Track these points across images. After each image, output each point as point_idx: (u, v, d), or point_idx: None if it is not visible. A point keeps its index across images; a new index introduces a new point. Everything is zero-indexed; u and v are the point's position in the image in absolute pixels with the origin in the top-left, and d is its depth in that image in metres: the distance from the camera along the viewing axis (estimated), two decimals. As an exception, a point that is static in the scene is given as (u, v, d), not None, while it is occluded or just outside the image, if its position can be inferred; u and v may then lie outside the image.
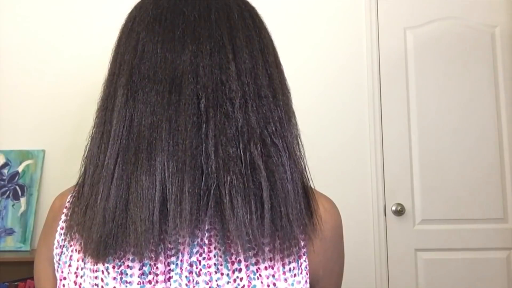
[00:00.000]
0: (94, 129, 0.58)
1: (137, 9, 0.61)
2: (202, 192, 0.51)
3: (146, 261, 0.51)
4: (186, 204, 0.50)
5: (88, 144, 0.59)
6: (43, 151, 2.03)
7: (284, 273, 0.53)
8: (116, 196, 0.51)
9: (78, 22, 2.13)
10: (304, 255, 0.55)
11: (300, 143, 0.60)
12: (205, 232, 0.53)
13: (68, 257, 0.56)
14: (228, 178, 0.50)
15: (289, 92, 0.61)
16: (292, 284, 0.54)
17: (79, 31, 2.12)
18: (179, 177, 0.50)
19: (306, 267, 0.55)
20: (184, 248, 0.53)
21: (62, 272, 0.56)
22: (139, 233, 0.49)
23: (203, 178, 0.51)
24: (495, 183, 2.07)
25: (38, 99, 2.07)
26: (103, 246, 0.51)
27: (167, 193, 0.50)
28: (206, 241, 0.53)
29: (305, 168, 0.59)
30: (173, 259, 0.52)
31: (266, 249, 0.52)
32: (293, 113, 0.61)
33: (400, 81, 2.13)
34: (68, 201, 0.60)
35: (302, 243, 0.55)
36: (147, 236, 0.50)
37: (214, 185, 0.51)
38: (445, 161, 2.08)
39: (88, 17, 2.13)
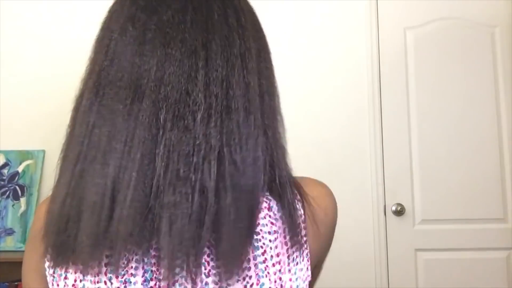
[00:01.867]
0: (67, 130, 0.57)
1: (116, 4, 0.57)
2: (146, 212, 0.48)
3: (147, 268, 0.50)
4: (127, 223, 0.47)
5: (62, 145, 0.57)
6: (43, 151, 2.03)
7: (288, 264, 0.53)
8: (70, 207, 0.50)
9: (79, 22, 2.13)
10: (305, 243, 0.55)
11: (284, 154, 0.56)
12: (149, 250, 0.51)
13: (64, 269, 0.53)
14: (171, 199, 0.47)
15: (275, 98, 0.58)
16: (295, 273, 0.53)
17: (80, 31, 2.12)
18: (125, 193, 0.48)
19: (307, 254, 0.55)
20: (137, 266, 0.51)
21: (58, 285, 0.54)
22: (84, 248, 0.48)
23: (150, 197, 0.48)
24: (495, 183, 2.07)
25: (38, 99, 2.07)
26: (55, 255, 0.51)
27: (114, 209, 0.48)
28: (152, 252, 0.52)
29: (260, 188, 0.53)
30: (178, 262, 0.49)
31: (202, 274, 0.50)
32: (279, 121, 0.57)
33: (400, 81, 2.13)
34: None
35: (304, 232, 0.55)
36: (91, 251, 0.48)
37: (158, 205, 0.48)
38: (445, 161, 2.08)
39: (89, 17, 2.13)
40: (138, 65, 0.51)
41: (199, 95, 0.50)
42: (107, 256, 0.50)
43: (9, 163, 2.01)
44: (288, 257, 0.53)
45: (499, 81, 2.13)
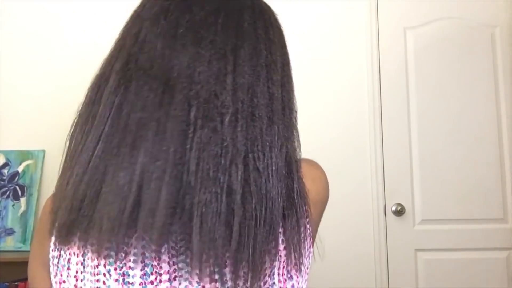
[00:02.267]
0: (82, 106, 0.57)
1: None
2: (176, 206, 0.48)
3: (148, 262, 0.50)
4: (160, 217, 0.47)
5: (76, 120, 0.57)
6: (43, 151, 2.03)
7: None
8: (88, 185, 0.50)
9: (79, 22, 2.13)
10: (308, 223, 0.56)
11: (298, 169, 0.56)
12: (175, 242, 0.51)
13: (67, 260, 0.55)
14: (203, 198, 0.48)
15: (294, 113, 0.59)
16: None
17: (80, 31, 2.12)
18: (157, 185, 0.48)
19: (310, 234, 0.56)
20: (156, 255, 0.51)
21: (61, 275, 0.55)
22: (103, 230, 0.48)
23: (180, 191, 0.48)
24: (495, 183, 2.07)
25: (38, 99, 2.07)
26: (65, 232, 0.51)
27: (142, 198, 0.48)
28: (177, 245, 0.52)
29: (280, 194, 0.54)
30: (182, 257, 0.50)
31: (227, 277, 0.49)
32: (295, 136, 0.58)
33: (400, 81, 2.13)
34: None
35: (306, 214, 0.56)
36: (110, 235, 0.48)
37: (189, 201, 0.48)
38: (445, 161, 2.08)
39: (89, 17, 2.13)
40: (169, 58, 0.53)
41: (227, 98, 0.51)
42: (123, 243, 0.50)
43: (9, 163, 2.01)
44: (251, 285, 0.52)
45: (499, 81, 2.13)
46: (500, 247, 2.05)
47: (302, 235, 0.54)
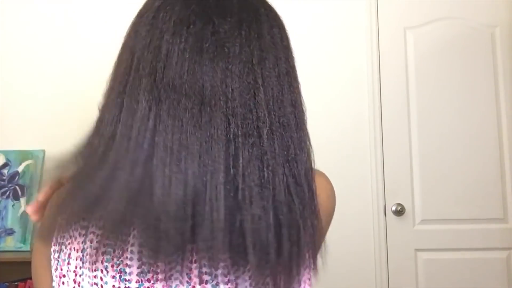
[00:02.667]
0: (103, 125, 0.54)
1: (159, 1, 0.56)
2: (229, 223, 0.49)
3: (145, 260, 0.51)
4: (220, 238, 0.48)
5: (93, 139, 0.55)
6: (43, 151, 2.03)
7: None
8: (132, 210, 0.50)
9: (79, 23, 2.13)
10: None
11: (312, 169, 0.57)
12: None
13: (67, 255, 0.55)
14: (253, 214, 0.49)
15: (304, 115, 0.60)
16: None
17: (80, 31, 2.12)
18: (213, 206, 0.48)
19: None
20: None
21: (62, 269, 0.56)
22: (164, 253, 0.49)
23: (231, 210, 0.49)
24: (495, 183, 2.07)
25: (38, 99, 2.07)
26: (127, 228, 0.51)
27: (199, 221, 0.49)
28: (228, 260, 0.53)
29: (314, 193, 0.57)
30: (266, 272, 0.51)
31: (281, 284, 0.51)
32: (309, 137, 0.59)
33: (400, 81, 2.13)
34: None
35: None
36: (171, 257, 0.49)
37: (239, 218, 0.49)
38: (445, 161, 2.08)
39: (89, 17, 2.13)
40: (200, 75, 0.51)
41: (262, 112, 0.52)
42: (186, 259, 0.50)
43: (9, 163, 2.01)
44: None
45: (499, 81, 2.13)
46: (500, 247, 2.05)
47: (318, 246, 0.56)
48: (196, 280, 0.51)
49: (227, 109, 0.51)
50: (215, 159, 0.49)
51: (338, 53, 2.15)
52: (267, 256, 0.49)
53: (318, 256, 0.56)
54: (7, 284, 1.74)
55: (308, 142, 0.57)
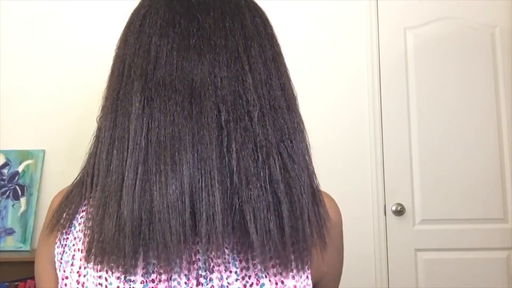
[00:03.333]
0: (102, 132, 0.56)
1: (145, 8, 0.59)
2: (227, 207, 0.51)
3: (149, 260, 0.51)
4: (219, 220, 0.49)
5: (95, 147, 0.57)
6: (43, 151, 2.03)
7: (291, 270, 0.54)
8: (140, 209, 0.50)
9: (79, 23, 2.13)
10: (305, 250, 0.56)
11: (309, 148, 0.59)
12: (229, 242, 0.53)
13: (71, 256, 0.56)
14: (251, 194, 0.50)
15: (296, 98, 0.61)
16: (298, 280, 0.54)
17: (79, 31, 2.12)
18: (209, 192, 0.50)
19: (307, 262, 0.55)
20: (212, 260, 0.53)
21: (65, 271, 0.56)
22: (170, 247, 0.49)
23: (227, 193, 0.51)
24: (495, 183, 2.07)
25: (38, 99, 2.07)
26: (134, 260, 0.50)
27: (196, 208, 0.50)
28: (231, 244, 0.53)
29: (313, 172, 0.59)
30: (270, 254, 0.52)
31: (287, 260, 0.53)
32: (301, 118, 0.61)
33: (400, 81, 2.13)
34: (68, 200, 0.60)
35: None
36: (179, 249, 0.49)
37: (238, 201, 0.51)
38: (445, 161, 2.08)
39: (89, 17, 2.13)
40: (188, 70, 0.54)
41: (251, 96, 0.54)
42: (192, 254, 0.52)
43: (9, 163, 2.01)
44: (290, 263, 0.54)
45: (499, 81, 2.13)
46: (500, 247, 2.05)
47: (323, 219, 0.57)
48: (193, 282, 0.52)
49: (217, 98, 0.53)
50: (208, 146, 0.51)
51: (338, 53, 2.15)
52: (269, 234, 0.50)
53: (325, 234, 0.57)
54: (7, 284, 1.74)
55: (301, 124, 0.59)
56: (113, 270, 0.52)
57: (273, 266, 0.53)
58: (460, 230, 2.05)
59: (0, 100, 2.07)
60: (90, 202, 0.56)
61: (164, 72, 0.54)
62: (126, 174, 0.52)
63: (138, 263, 0.51)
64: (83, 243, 0.54)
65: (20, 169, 2.00)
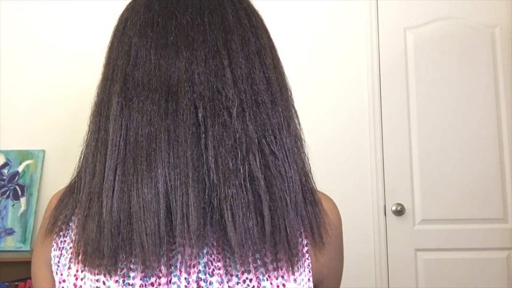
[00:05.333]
0: (88, 135, 0.57)
1: (128, 11, 0.59)
2: (205, 206, 0.50)
3: (148, 264, 0.50)
4: (193, 219, 0.49)
5: (83, 150, 0.58)
6: (43, 151, 2.03)
7: (293, 273, 0.53)
8: (119, 209, 0.50)
9: (78, 22, 2.13)
10: (307, 253, 0.56)
11: (303, 145, 0.58)
12: (213, 241, 0.53)
13: (68, 260, 0.55)
14: (229, 192, 0.49)
15: (289, 92, 0.60)
16: (300, 284, 0.54)
17: (80, 31, 2.12)
18: (183, 190, 0.49)
19: (308, 265, 0.55)
20: (191, 259, 0.52)
21: (62, 274, 0.55)
22: (146, 248, 0.49)
23: (205, 191, 0.50)
24: (495, 183, 2.07)
25: (38, 99, 2.07)
26: (114, 261, 0.50)
27: (172, 207, 0.49)
28: (215, 243, 0.53)
29: (308, 170, 0.58)
30: (173, 261, 0.51)
31: (268, 260, 0.51)
32: (295, 113, 0.59)
33: (400, 81, 2.13)
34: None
35: (305, 241, 0.56)
36: (155, 250, 0.49)
37: (216, 199, 0.50)
38: (445, 161, 2.08)
39: (88, 17, 2.13)
40: (165, 67, 0.53)
41: (230, 91, 0.52)
42: (168, 254, 0.51)
43: (9, 163, 2.01)
44: (292, 266, 0.53)
45: (499, 81, 2.13)
46: (500, 247, 2.05)
47: (320, 218, 0.55)
48: (194, 285, 0.52)
49: (193, 94, 0.52)
50: (183, 144, 0.50)
51: (338, 53, 2.15)
52: (248, 232, 0.49)
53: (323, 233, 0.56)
54: (7, 284, 1.74)
55: (290, 119, 0.57)
56: (96, 272, 0.52)
57: (274, 269, 0.52)
58: (460, 230, 2.05)
59: (0, 100, 2.07)
60: (79, 205, 0.56)
61: (143, 72, 0.53)
62: (106, 176, 0.52)
63: (118, 264, 0.50)
64: (79, 253, 0.54)
65: (20, 169, 2.00)
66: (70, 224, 0.57)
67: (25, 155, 2.02)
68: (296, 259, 0.52)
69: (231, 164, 0.50)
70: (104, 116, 0.55)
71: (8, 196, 1.97)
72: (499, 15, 2.16)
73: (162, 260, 0.50)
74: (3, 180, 1.99)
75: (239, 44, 0.55)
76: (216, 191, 0.50)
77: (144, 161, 0.50)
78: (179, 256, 0.51)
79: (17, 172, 2.00)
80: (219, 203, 0.49)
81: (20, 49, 2.11)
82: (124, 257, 0.50)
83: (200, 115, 0.51)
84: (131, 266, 0.51)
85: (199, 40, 0.54)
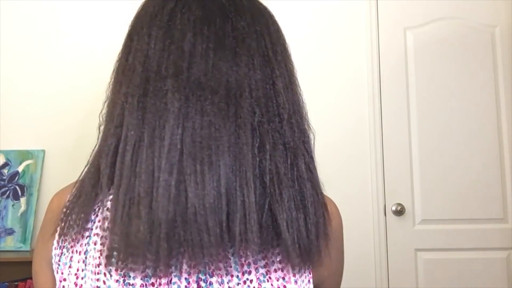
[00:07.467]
0: (127, 130, 0.53)
1: (172, 2, 0.57)
2: (259, 207, 0.51)
3: (149, 263, 0.49)
4: (255, 220, 0.50)
5: (121, 149, 0.53)
6: (43, 151, 2.03)
7: (294, 275, 0.54)
8: (175, 210, 0.49)
9: (79, 22, 2.13)
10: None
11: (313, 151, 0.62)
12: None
13: (69, 258, 0.55)
14: (283, 194, 0.52)
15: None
16: (300, 285, 0.54)
17: (79, 31, 2.12)
18: (244, 192, 0.50)
19: (309, 266, 0.55)
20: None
21: (62, 273, 0.55)
22: (206, 248, 0.48)
23: (262, 196, 0.52)
24: (495, 183, 2.07)
25: (38, 99, 2.07)
26: (168, 262, 0.49)
27: (231, 209, 0.50)
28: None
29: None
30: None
31: (314, 259, 0.53)
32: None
33: (400, 81, 2.13)
34: (68, 200, 0.58)
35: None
36: (214, 250, 0.49)
37: (270, 201, 0.51)
38: (445, 161, 2.08)
39: (89, 17, 2.13)
40: (224, 71, 0.53)
41: (281, 99, 0.56)
42: (227, 254, 0.52)
43: (9, 163, 2.01)
44: (293, 267, 0.53)
45: (499, 81, 2.13)
46: (500, 247, 2.05)
47: (326, 220, 0.57)
48: (194, 285, 0.52)
49: (252, 99, 0.54)
50: (244, 147, 0.52)
51: (338, 53, 2.15)
52: (299, 232, 0.51)
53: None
54: (7, 284, 1.74)
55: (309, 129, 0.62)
56: (137, 274, 0.51)
57: (275, 271, 0.53)
58: (460, 230, 2.05)
59: (0, 100, 2.07)
60: (107, 204, 0.53)
61: (200, 71, 0.53)
62: (158, 175, 0.49)
63: (172, 265, 0.50)
64: (81, 245, 0.53)
65: (20, 169, 2.00)
66: (89, 225, 0.55)
67: (25, 155, 2.02)
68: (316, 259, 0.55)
69: (283, 168, 0.53)
70: (151, 111, 0.52)
71: (8, 196, 1.97)
72: (499, 15, 2.16)
73: (220, 259, 0.51)
74: (3, 180, 1.99)
75: (282, 57, 0.59)
76: (269, 194, 0.51)
77: (205, 162, 0.50)
78: (180, 256, 0.50)
79: (17, 172, 2.00)
80: (271, 205, 0.51)
81: (21, 48, 2.11)
82: (175, 259, 0.50)
83: (256, 119, 0.53)
84: (131, 266, 0.50)
85: (254, 47, 0.56)
